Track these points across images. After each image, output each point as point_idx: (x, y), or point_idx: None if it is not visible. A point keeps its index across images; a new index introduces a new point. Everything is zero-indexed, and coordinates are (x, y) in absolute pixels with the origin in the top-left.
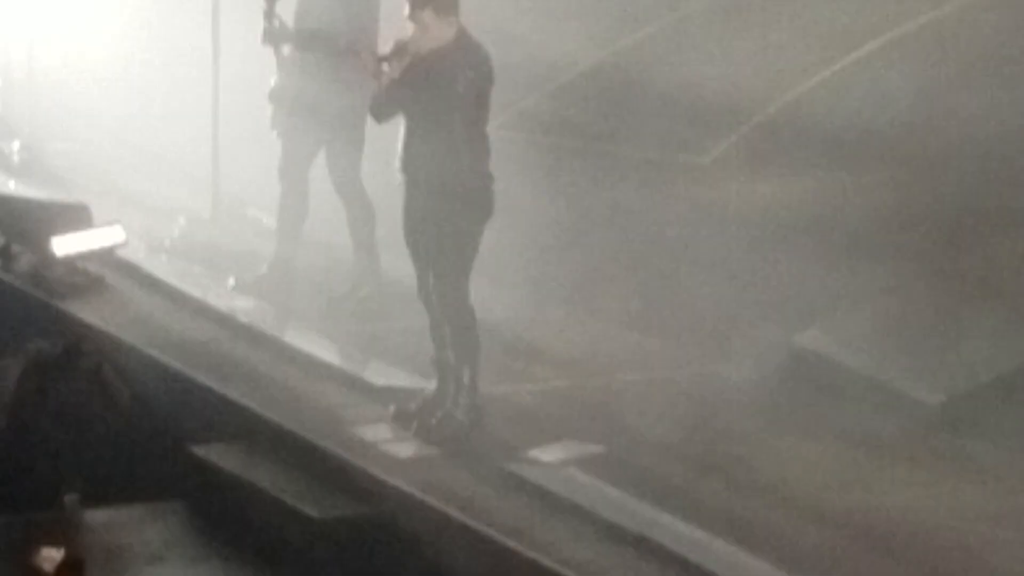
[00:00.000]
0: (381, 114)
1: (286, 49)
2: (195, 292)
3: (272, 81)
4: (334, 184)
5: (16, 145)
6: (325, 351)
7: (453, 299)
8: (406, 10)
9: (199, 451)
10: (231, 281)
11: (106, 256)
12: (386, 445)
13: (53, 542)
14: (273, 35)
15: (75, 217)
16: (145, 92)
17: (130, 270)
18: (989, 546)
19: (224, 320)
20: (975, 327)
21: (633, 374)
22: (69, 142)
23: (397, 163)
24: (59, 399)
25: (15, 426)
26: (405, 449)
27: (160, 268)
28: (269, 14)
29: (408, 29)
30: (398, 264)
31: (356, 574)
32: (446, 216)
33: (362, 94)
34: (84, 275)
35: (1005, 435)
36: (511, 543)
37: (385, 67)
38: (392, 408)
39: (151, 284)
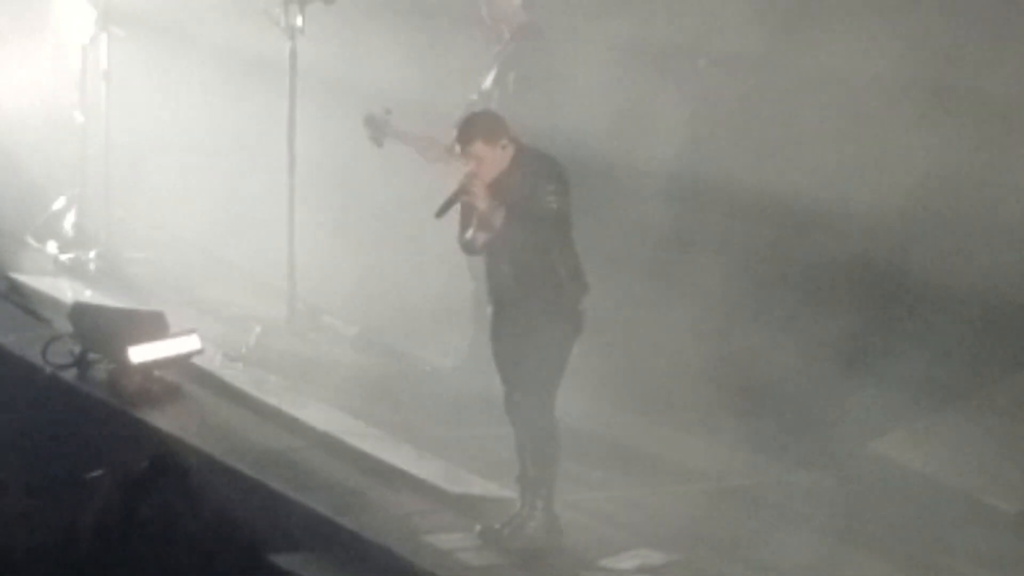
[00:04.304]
0: (473, 251)
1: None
2: (271, 400)
3: None
4: None
5: (93, 254)
6: (402, 459)
7: (539, 414)
8: (457, 149)
9: (277, 560)
10: None
11: (182, 364)
12: (462, 554)
13: None
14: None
15: (151, 325)
16: (221, 201)
17: (206, 378)
18: None
19: (300, 428)
20: None
21: (708, 482)
22: (145, 251)
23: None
24: (145, 513)
25: (102, 540)
26: (480, 558)
27: (236, 377)
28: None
29: (464, 167)
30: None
31: None
32: (540, 337)
33: None
34: (160, 383)
35: None
36: None
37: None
38: (478, 527)
39: (227, 393)
